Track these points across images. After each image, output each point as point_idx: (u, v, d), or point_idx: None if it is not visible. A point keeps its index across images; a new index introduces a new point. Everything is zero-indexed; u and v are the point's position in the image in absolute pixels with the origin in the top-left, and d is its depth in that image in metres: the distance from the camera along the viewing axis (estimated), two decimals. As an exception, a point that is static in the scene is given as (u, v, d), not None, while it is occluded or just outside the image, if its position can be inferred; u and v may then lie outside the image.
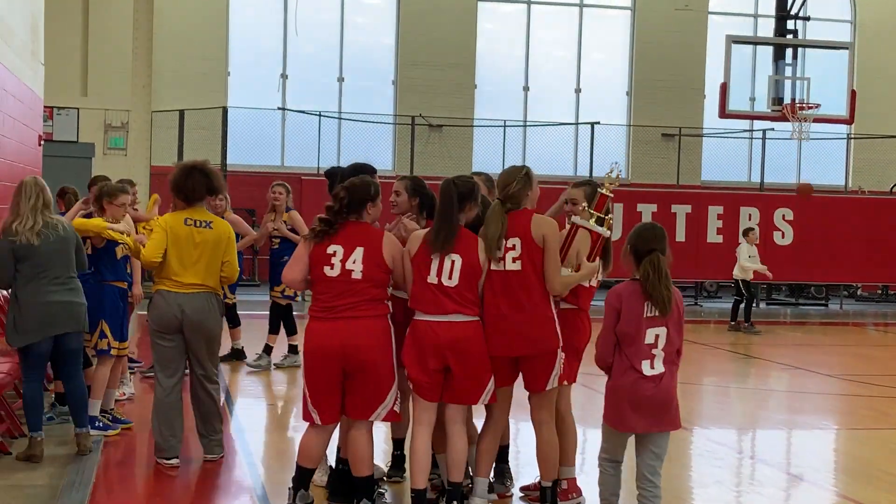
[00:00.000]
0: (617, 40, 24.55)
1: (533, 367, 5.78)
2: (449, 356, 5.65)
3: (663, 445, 5.38)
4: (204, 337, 6.99)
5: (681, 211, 19.71)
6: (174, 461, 6.97)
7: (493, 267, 5.74)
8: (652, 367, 5.27)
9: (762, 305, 21.38)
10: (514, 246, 5.74)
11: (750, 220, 19.95)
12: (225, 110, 19.92)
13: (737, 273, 16.40)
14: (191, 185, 7.00)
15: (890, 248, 20.58)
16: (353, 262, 5.66)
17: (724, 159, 24.51)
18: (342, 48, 23.23)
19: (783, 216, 20.46)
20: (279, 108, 22.04)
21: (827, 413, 10.68)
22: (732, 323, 16.37)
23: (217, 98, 21.32)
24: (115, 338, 7.96)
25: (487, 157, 22.58)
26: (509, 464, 6.64)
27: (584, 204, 6.04)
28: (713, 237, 19.46)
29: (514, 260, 5.72)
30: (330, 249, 5.71)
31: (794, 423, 9.77)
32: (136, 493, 6.71)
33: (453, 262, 5.68)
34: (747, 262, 16.31)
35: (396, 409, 5.79)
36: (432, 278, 5.68)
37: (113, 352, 7.98)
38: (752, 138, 24.26)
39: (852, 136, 24.33)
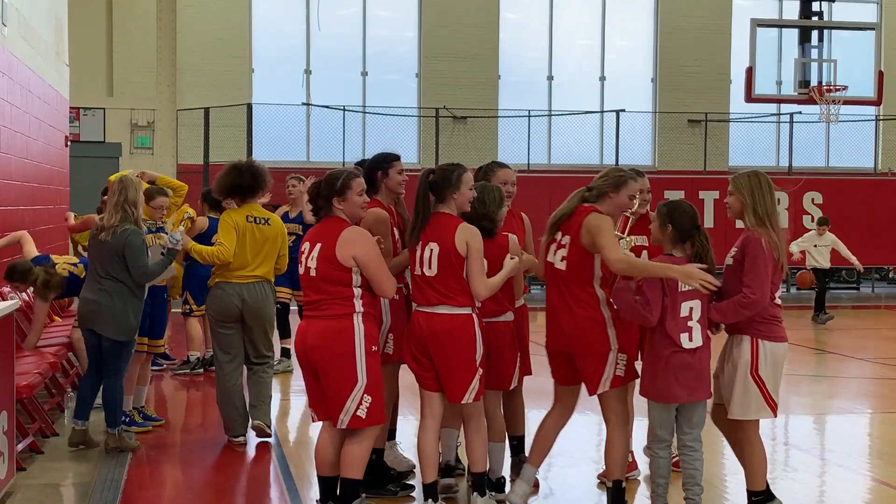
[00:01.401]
0: (641, 27, 24.38)
1: (583, 367, 5.67)
2: (430, 348, 5.63)
3: (702, 414, 5.55)
4: (261, 322, 7.57)
5: (708, 197, 19.58)
6: (241, 439, 7.56)
7: (548, 258, 5.72)
8: (690, 339, 5.43)
9: (791, 290, 21.23)
10: (565, 244, 5.66)
11: (779, 203, 19.76)
12: (250, 107, 19.97)
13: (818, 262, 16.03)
14: (247, 183, 7.54)
15: (922, 230, 20.36)
16: (312, 259, 5.51)
17: (751, 144, 24.29)
18: (365, 42, 23.21)
19: (812, 200, 20.28)
20: (303, 104, 22.07)
21: (860, 397, 10.58)
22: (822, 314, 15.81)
23: (242, 95, 21.37)
24: (143, 334, 7.97)
25: (513, 147, 22.51)
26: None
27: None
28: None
29: (562, 259, 5.65)
30: (304, 246, 5.65)
31: (827, 408, 9.69)
32: (167, 490, 6.74)
33: (432, 250, 5.63)
34: (846, 251, 16.03)
35: (361, 413, 5.40)
36: (417, 269, 5.69)
37: (142, 348, 8.01)
38: (779, 122, 24.05)
39: (881, 117, 24.05)
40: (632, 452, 6.54)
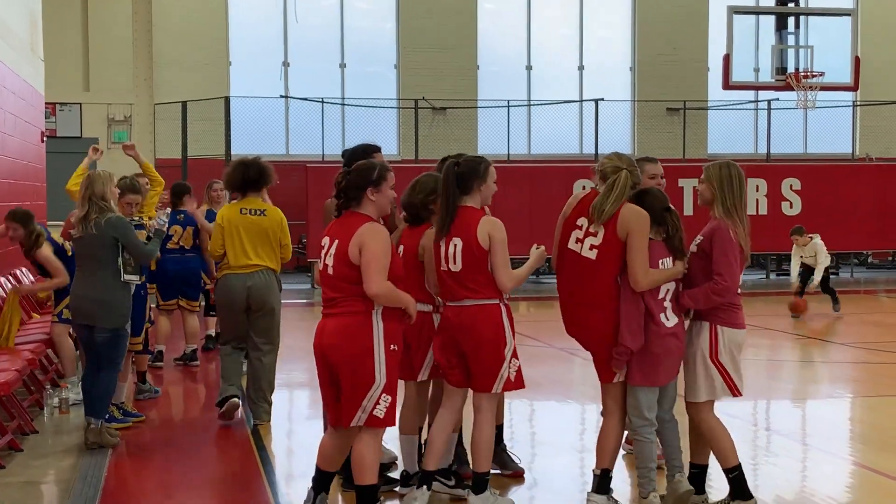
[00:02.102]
0: (618, 16, 24.39)
1: (594, 356, 5.72)
2: (460, 340, 5.63)
3: (674, 387, 5.74)
4: (264, 309, 7.99)
5: (688, 185, 19.56)
6: (235, 401, 7.96)
7: (570, 245, 5.61)
8: (667, 318, 5.55)
9: (771, 276, 21.33)
10: (597, 232, 5.55)
11: (758, 191, 19.86)
12: (227, 100, 19.87)
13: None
14: (247, 177, 7.95)
15: (900, 214, 20.45)
16: (329, 257, 5.32)
17: (729, 131, 24.36)
18: (343, 34, 23.13)
19: (791, 186, 20.35)
20: (282, 97, 21.98)
21: (841, 382, 10.63)
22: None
23: (219, 88, 21.26)
24: None
25: (492, 138, 22.50)
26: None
27: None
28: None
29: (591, 248, 5.56)
30: (323, 241, 5.51)
31: (808, 393, 9.73)
32: (148, 485, 6.70)
33: (455, 245, 5.60)
34: (821, 264, 14.66)
35: (379, 413, 5.23)
36: (443, 265, 5.66)
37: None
38: (756, 109, 24.11)
39: (858, 103, 24.16)
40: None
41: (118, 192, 7.63)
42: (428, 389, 6.19)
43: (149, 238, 7.66)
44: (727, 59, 18.40)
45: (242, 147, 20.00)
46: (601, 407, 5.88)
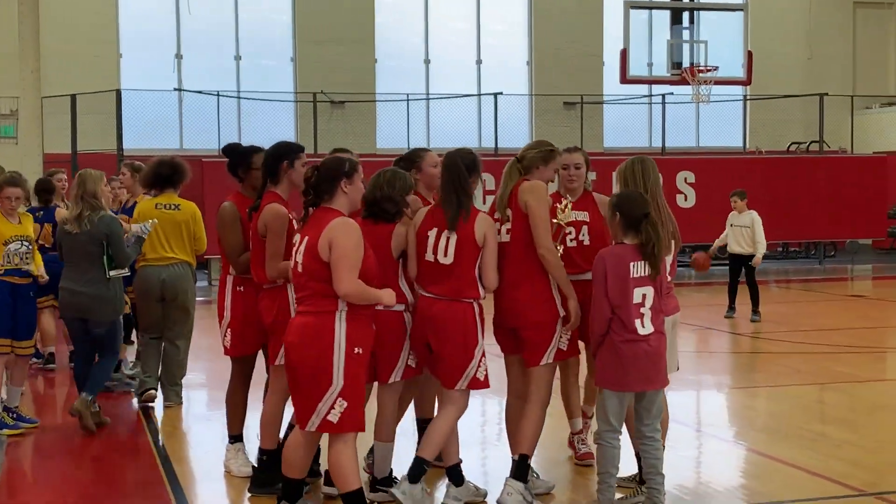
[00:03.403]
0: (515, 10, 24.53)
1: (528, 338, 5.71)
2: (429, 333, 5.57)
3: (659, 403, 5.55)
4: (178, 300, 8.40)
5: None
6: (152, 392, 8.48)
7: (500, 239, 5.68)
8: (643, 325, 5.39)
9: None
10: (509, 217, 5.68)
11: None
12: (119, 93, 19.34)
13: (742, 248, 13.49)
14: (159, 174, 8.34)
15: (789, 207, 20.98)
16: (300, 254, 5.17)
17: (624, 125, 24.74)
18: (238, 26, 22.76)
19: (685, 179, 20.72)
20: (176, 90, 21.52)
21: (738, 372, 10.84)
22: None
23: (110, 81, 20.70)
24: (3, 335, 7.65)
25: (391, 132, 22.40)
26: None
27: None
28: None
29: (507, 232, 5.67)
30: (295, 238, 5.36)
31: (705, 383, 9.87)
32: (42, 492, 6.44)
33: (448, 238, 5.54)
34: (759, 237, 13.35)
35: (332, 418, 5.04)
36: (428, 255, 5.57)
37: (5, 349, 7.67)
38: (650, 104, 24.51)
39: (748, 97, 24.74)
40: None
41: (109, 190, 8.20)
42: (399, 392, 5.96)
43: (131, 243, 7.90)
44: (624, 54, 18.62)
45: (134, 141, 19.56)
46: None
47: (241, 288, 6.30)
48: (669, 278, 5.77)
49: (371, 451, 6.15)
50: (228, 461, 6.57)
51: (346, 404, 5.04)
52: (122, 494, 6.44)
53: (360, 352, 5.08)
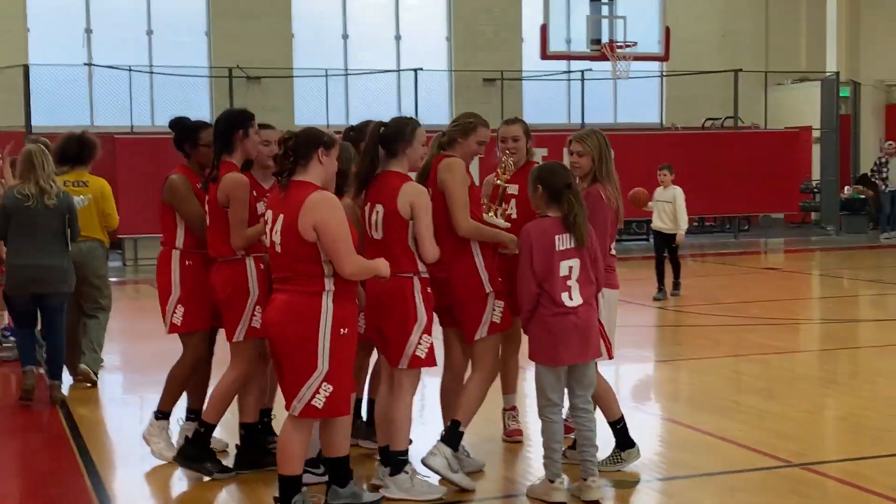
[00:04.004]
0: (434, -15, 24.35)
1: (462, 314, 5.73)
2: (373, 311, 5.46)
3: (591, 375, 5.54)
4: (91, 277, 8.48)
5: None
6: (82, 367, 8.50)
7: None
8: (570, 297, 5.34)
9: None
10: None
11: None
12: (26, 68, 18.74)
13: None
14: (66, 151, 8.40)
15: (705, 182, 21.20)
16: (276, 234, 4.95)
17: (543, 102, 24.74)
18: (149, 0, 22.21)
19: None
20: (86, 64, 20.92)
21: (660, 345, 10.93)
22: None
23: (17, 56, 20.00)
24: None
25: (310, 108, 22.09)
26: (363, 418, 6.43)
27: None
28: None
29: None
30: (266, 215, 5.08)
31: (628, 357, 9.90)
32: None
33: (377, 212, 5.38)
34: (681, 214, 12.93)
35: (317, 403, 4.88)
36: (369, 230, 5.43)
37: None
38: (569, 80, 24.54)
39: (665, 73, 24.94)
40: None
41: None
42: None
43: None
44: (544, 30, 18.59)
45: (44, 118, 18.98)
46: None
47: (190, 262, 6.12)
48: (613, 252, 5.85)
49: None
50: (151, 436, 6.32)
51: (331, 388, 4.89)
52: (35, 486, 6.20)
53: (346, 332, 4.95)
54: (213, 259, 5.91)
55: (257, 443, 6.07)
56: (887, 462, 6.17)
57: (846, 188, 23.75)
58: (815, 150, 24.16)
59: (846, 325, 11.64)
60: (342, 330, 4.92)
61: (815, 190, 24.21)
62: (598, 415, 5.81)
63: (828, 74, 24.24)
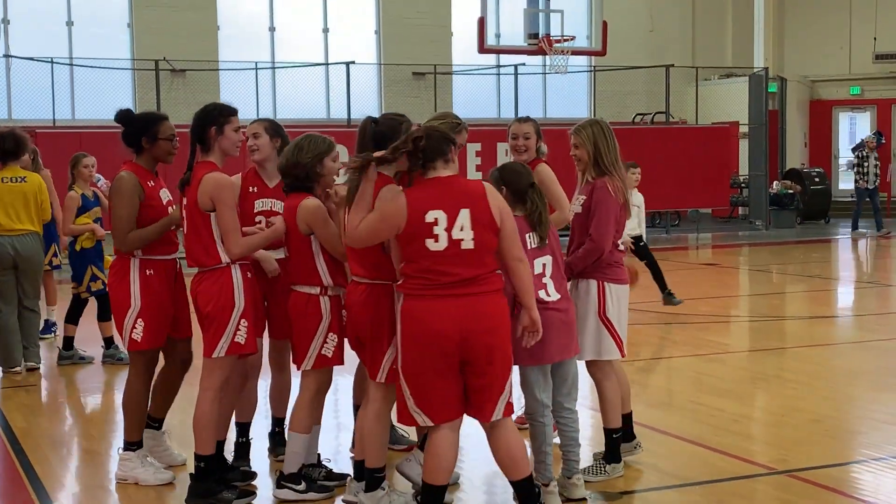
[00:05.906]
0: (362, -23, 23.97)
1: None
2: (352, 322, 5.17)
3: (574, 372, 5.46)
4: (31, 270, 8.71)
5: (439, 149, 19.48)
6: (18, 369, 8.69)
7: None
8: (548, 294, 5.24)
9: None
10: None
11: (506, 155, 20.00)
12: (-61, 60, 17.94)
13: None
14: (4, 148, 8.63)
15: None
16: (460, 230, 4.61)
17: (474, 97, 24.53)
18: (69, -11, 21.47)
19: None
20: (3, 56, 20.12)
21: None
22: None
23: (-72, 47, 19.17)
24: None
25: (237, 102, 21.34)
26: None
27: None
28: (473, 174, 19.41)
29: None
30: (430, 215, 4.63)
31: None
32: None
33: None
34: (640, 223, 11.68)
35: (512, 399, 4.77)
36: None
37: None
38: (499, 74, 24.37)
39: (596, 68, 24.92)
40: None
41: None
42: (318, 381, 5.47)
43: None
44: (482, 23, 18.34)
45: (-41, 112, 18.18)
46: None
47: (151, 271, 5.62)
48: (621, 247, 5.76)
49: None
50: (134, 472, 5.71)
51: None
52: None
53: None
54: (175, 269, 5.62)
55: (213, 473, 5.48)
56: (873, 467, 6.05)
57: (774, 183, 23.99)
58: (743, 146, 24.36)
59: (797, 322, 11.66)
60: None
61: (743, 185, 24.42)
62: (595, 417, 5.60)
63: (756, 70, 24.45)
